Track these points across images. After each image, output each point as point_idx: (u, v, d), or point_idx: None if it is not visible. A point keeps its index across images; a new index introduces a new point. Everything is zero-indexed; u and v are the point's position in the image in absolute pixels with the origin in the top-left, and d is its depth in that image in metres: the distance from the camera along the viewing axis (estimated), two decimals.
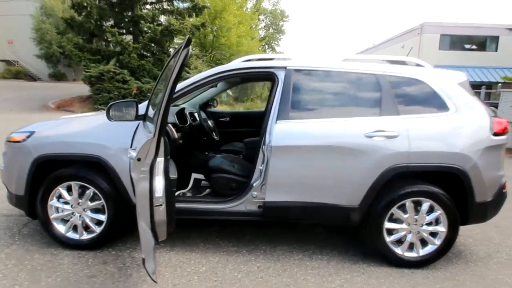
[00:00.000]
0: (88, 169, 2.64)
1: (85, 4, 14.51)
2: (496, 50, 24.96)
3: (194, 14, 16.79)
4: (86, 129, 2.69)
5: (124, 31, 16.42)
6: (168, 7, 16.63)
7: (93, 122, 2.81)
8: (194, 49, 18.39)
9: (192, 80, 2.68)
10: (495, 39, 25.15)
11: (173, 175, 1.92)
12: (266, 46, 41.98)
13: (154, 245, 1.86)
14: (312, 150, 2.50)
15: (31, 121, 3.22)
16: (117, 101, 2.43)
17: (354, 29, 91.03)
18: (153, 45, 15.91)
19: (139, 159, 1.77)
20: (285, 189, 2.57)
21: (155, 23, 15.69)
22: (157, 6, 16.90)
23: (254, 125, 4.32)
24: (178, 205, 2.46)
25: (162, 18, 17.40)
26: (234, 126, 4.44)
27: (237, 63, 2.74)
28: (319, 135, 2.52)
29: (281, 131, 2.52)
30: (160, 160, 1.81)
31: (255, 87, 20.16)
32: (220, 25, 22.07)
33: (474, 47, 25.08)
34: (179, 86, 2.63)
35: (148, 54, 16.06)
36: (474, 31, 25.01)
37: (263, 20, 43.72)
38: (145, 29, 15.85)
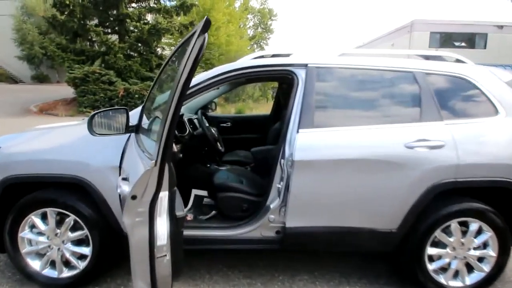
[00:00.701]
0: (67, 193, 2.16)
1: (67, 2, 13.79)
2: (484, 47, 25.13)
3: (182, 12, 16.19)
4: (63, 143, 2.20)
5: (109, 30, 15.74)
6: (155, 5, 16.00)
7: (71, 134, 2.31)
8: None
9: (195, 81, 2.21)
10: (484, 36, 25.33)
11: (180, 211, 1.45)
12: (255, 46, 41.50)
13: None
14: (344, 164, 2.07)
15: (12, 126, 2.70)
16: (101, 110, 1.94)
17: (343, 28, 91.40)
18: (140, 44, 15.28)
19: (134, 197, 1.29)
20: (310, 212, 2.14)
21: (141, 22, 15.06)
22: (144, 5, 16.25)
23: (258, 130, 3.89)
24: None
25: (149, 17, 16.78)
26: (236, 132, 3.98)
27: (247, 61, 2.28)
28: (351, 146, 2.09)
29: (305, 142, 2.08)
30: (164, 195, 1.34)
31: (246, 87, 19.66)
32: None
33: (463, 44, 25.18)
34: None
35: (135, 54, 15.41)
36: (463, 29, 25.14)
37: (251, 19, 43.24)
38: (131, 28, 15.21)
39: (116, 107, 2.03)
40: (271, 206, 2.18)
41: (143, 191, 1.26)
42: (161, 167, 1.25)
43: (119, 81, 13.70)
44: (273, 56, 2.38)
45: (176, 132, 2.66)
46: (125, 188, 1.38)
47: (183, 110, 3.39)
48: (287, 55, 2.33)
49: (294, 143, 2.08)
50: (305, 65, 2.22)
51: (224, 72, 2.21)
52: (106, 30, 15.42)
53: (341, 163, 2.08)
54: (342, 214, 2.14)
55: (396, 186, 2.08)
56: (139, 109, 2.16)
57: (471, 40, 25.59)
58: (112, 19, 15.23)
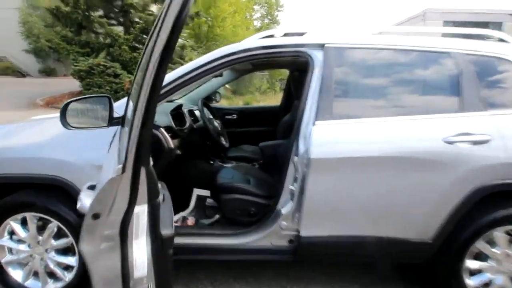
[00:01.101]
0: (48, 195, 1.88)
1: None
2: None
3: None
4: (44, 139, 1.92)
5: (114, 21, 15.46)
6: None
7: (56, 128, 2.01)
8: (188, 40, 17.40)
9: (191, 66, 1.89)
10: (498, 25, 24.48)
11: (168, 229, 1.12)
12: None
13: None
14: (369, 163, 1.75)
15: (18, 119, 2.45)
16: (79, 98, 1.62)
17: (351, 19, 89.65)
18: (145, 36, 14.95)
19: (96, 216, 0.95)
20: (329, 219, 1.83)
21: (146, 13, 14.75)
22: None
23: (267, 123, 3.58)
24: (176, 240, 1.69)
25: (154, 8, 16.43)
26: (243, 125, 3.66)
27: (254, 41, 1.95)
28: (378, 142, 1.77)
29: (323, 137, 1.76)
30: (142, 211, 0.99)
31: (252, 78, 19.21)
32: (215, 14, 21.08)
33: None
34: (171, 76, 1.84)
35: (140, 46, 15.08)
36: (477, 17, 24.31)
37: (258, 10, 42.59)
38: (136, 19, 14.91)
39: (97, 94, 1.71)
40: (283, 211, 1.88)
41: (110, 207, 0.93)
42: (134, 173, 0.91)
43: (124, 74, 13.44)
44: (285, 35, 2.03)
45: (174, 125, 2.36)
46: (85, 202, 1.04)
47: (182, 101, 3.08)
48: (301, 34, 1.99)
49: (310, 138, 1.76)
50: (322, 46, 1.88)
51: (227, 54, 1.88)
52: (110, 22, 15.16)
53: (365, 161, 1.76)
54: (367, 221, 1.83)
55: (433, 189, 1.75)
56: (125, 100, 1.84)
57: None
58: (116, 10, 14.94)
